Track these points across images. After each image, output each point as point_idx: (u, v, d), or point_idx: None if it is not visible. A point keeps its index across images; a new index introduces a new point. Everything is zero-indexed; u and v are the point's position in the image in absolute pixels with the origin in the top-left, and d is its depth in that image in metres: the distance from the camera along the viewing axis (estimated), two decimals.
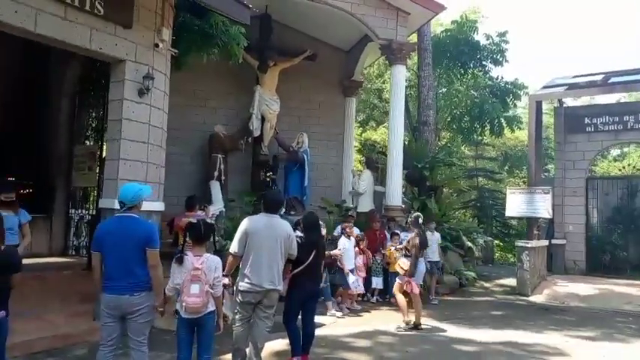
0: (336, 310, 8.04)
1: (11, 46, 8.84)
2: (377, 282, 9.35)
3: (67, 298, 6.80)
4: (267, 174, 11.64)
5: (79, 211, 8.93)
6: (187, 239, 5.97)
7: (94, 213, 8.34)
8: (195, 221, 4.43)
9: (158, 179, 6.85)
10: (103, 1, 5.86)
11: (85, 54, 6.25)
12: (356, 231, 9.15)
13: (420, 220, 7.61)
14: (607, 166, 24.37)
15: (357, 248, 8.75)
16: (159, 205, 6.69)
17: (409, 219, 8.15)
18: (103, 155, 7.52)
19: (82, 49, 5.91)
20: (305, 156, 11.98)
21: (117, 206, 4.17)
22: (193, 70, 8.57)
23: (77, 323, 5.98)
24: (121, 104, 6.23)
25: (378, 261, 9.38)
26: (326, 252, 6.88)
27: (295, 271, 5.14)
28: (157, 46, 6.47)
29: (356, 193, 12.04)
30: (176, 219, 7.04)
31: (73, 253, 8.97)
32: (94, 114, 9.14)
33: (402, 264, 7.29)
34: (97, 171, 8.14)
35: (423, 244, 7.38)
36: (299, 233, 5.67)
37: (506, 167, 25.45)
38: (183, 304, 3.92)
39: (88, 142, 9.35)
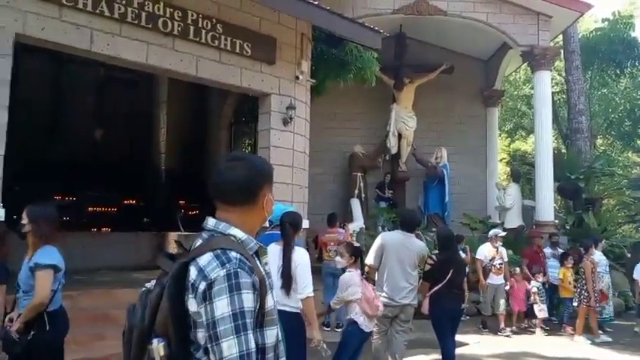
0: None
1: (179, 91, 10.47)
2: (542, 308, 7.95)
3: None
4: (388, 192, 11.79)
5: None
6: (329, 254, 6.86)
7: None
8: (358, 244, 4.76)
9: (302, 199, 7.43)
10: (250, 43, 6.63)
11: (236, 91, 7.10)
12: (503, 252, 7.98)
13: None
14: None
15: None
16: (304, 223, 7.22)
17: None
18: None
19: (234, 86, 6.76)
20: (444, 171, 11.85)
21: (267, 224, 4.69)
22: (331, 94, 9.13)
23: None
24: (269, 133, 6.95)
25: (539, 284, 8.03)
26: None
27: (433, 290, 5.13)
28: (297, 78, 7.10)
29: (502, 208, 11.52)
30: (319, 235, 7.55)
31: None
32: (247, 142, 10.21)
33: None
34: None
35: None
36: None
37: None
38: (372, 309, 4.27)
39: None
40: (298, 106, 7.16)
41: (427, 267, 5.22)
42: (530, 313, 8.14)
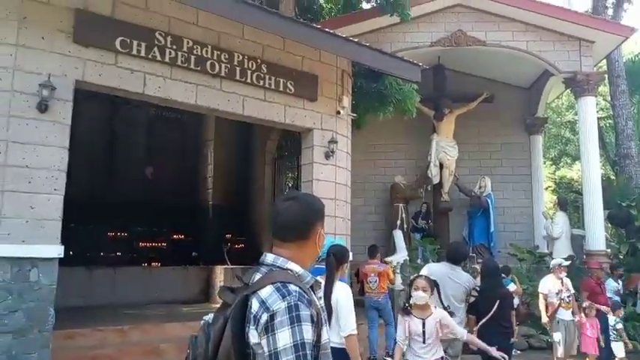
0: None
1: (225, 129, 10.89)
2: (618, 347, 6.98)
3: None
4: (421, 222, 11.72)
5: None
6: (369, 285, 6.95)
7: None
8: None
9: (345, 231, 7.49)
10: (293, 81, 6.87)
11: (280, 127, 7.32)
12: (569, 284, 6.94)
13: None
14: None
15: None
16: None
17: None
18: None
19: (278, 123, 6.97)
20: (489, 200, 11.66)
21: None
22: (372, 126, 9.26)
23: None
24: (311, 167, 7.10)
25: (620, 319, 7.12)
26: None
27: (480, 323, 5.00)
28: (338, 112, 7.28)
29: (550, 238, 11.19)
30: (360, 267, 7.54)
31: None
32: (290, 176, 10.43)
33: None
34: None
35: None
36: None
37: None
38: None
39: None
40: (340, 139, 7.31)
41: (471, 299, 5.13)
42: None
